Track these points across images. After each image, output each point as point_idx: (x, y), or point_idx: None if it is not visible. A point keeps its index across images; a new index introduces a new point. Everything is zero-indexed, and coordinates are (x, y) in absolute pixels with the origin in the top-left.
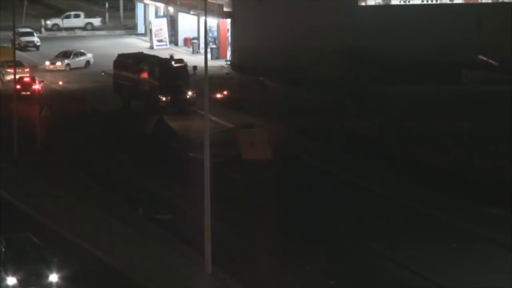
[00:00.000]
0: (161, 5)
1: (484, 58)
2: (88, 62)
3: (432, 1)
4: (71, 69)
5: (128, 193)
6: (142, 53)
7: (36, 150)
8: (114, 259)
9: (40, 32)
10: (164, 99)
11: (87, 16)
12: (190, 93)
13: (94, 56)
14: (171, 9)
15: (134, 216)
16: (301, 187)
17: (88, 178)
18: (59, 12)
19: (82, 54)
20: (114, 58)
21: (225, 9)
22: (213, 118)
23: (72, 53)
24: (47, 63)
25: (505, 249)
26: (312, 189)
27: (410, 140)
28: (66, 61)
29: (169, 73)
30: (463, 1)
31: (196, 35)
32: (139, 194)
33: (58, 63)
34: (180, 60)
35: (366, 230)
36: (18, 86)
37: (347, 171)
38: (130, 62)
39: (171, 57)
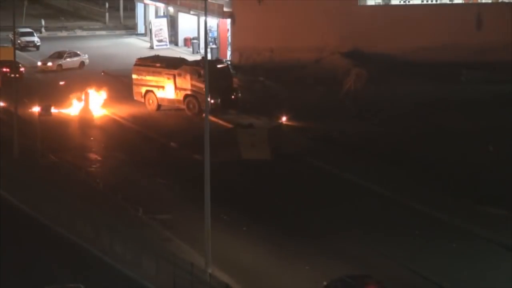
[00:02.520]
0: (161, 5)
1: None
2: (82, 63)
3: (432, 1)
4: (63, 69)
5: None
6: (158, 55)
7: (37, 150)
8: (114, 258)
9: (40, 32)
10: (212, 101)
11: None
12: (234, 93)
13: (93, 56)
14: (171, 9)
15: (134, 216)
16: (301, 187)
17: None
18: (59, 12)
19: (76, 55)
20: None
21: (225, 9)
22: (213, 118)
23: (65, 54)
24: (39, 63)
25: (505, 249)
26: (311, 189)
27: (409, 140)
28: (58, 61)
29: (215, 75)
30: (463, 1)
31: (196, 35)
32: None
33: (49, 63)
34: (221, 61)
35: (366, 230)
36: (7, 69)
37: (346, 170)
38: (159, 66)
39: (203, 58)
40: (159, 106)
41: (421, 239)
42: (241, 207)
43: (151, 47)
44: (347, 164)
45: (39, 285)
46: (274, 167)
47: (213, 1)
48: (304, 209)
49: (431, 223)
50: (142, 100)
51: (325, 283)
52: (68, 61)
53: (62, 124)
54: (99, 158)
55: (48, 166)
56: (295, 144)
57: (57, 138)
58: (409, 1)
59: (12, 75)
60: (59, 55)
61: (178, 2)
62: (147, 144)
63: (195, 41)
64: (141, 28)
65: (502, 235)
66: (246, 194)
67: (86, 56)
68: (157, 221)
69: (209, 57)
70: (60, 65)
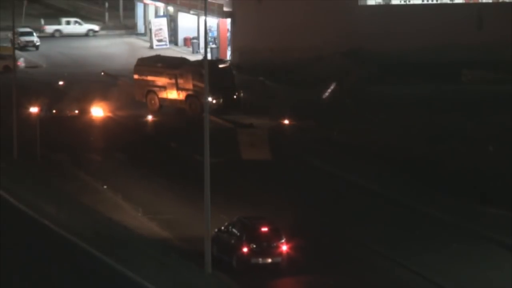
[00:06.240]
0: (161, 5)
1: None
2: (6, 67)
3: (432, 1)
4: None
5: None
6: (159, 55)
7: (36, 151)
8: (114, 259)
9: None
10: (214, 101)
11: None
12: (237, 93)
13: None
14: (171, 9)
15: (134, 216)
16: (301, 187)
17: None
18: (59, 12)
19: (1, 57)
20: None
21: (225, 9)
22: (212, 117)
23: None
24: None
25: (505, 249)
26: (311, 189)
27: (410, 140)
28: None
29: (217, 74)
30: (463, 1)
31: (196, 34)
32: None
33: None
34: (224, 61)
35: (366, 230)
36: None
37: (347, 171)
38: (161, 66)
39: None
40: (160, 106)
41: (421, 239)
42: (240, 206)
43: (151, 47)
44: (347, 164)
45: (39, 285)
46: (274, 167)
47: (213, 1)
48: (304, 209)
49: (431, 222)
50: (144, 100)
51: (226, 223)
52: None
53: (62, 124)
54: (99, 158)
55: (48, 166)
56: (295, 144)
57: (57, 138)
58: (409, 1)
59: None
60: None
61: (178, 2)
62: (147, 144)
63: (195, 40)
64: (141, 28)
65: (502, 235)
66: (245, 194)
67: (22, 59)
68: (156, 221)
69: (209, 57)
70: None
